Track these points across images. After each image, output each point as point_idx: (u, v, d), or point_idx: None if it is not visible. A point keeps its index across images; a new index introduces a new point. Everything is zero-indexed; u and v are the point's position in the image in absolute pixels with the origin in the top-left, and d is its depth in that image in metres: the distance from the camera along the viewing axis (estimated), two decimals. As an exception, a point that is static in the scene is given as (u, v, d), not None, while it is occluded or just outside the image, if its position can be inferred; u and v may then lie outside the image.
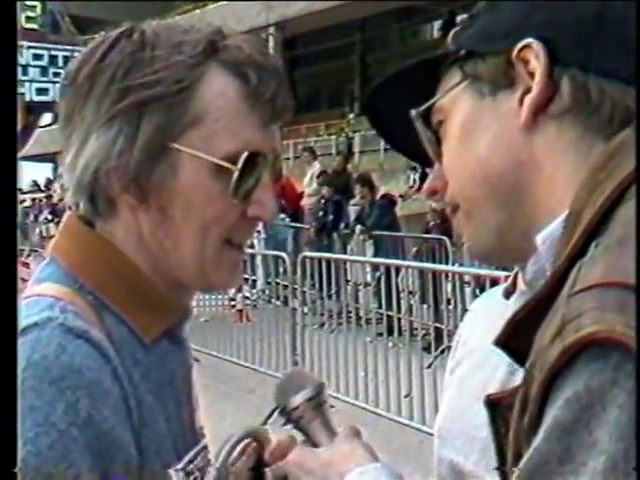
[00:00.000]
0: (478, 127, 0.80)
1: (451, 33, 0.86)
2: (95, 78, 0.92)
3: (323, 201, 11.41)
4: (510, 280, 1.29)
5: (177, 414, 0.99)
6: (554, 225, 0.73)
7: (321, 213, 11.32)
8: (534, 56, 0.76)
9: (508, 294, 1.27)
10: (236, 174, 0.92)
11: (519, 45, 0.76)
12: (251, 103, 0.94)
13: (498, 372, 1.21)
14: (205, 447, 1.05)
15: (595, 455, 0.53)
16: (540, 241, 0.75)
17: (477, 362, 1.29)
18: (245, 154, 0.93)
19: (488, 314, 1.32)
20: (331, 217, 10.96)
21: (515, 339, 0.68)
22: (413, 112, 0.86)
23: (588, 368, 0.55)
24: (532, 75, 0.76)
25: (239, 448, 1.05)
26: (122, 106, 0.90)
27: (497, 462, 0.82)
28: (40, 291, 0.91)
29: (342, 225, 10.69)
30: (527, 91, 0.76)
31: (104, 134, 0.91)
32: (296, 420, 1.08)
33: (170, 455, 0.94)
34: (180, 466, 0.96)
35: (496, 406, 0.81)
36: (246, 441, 1.06)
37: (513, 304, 1.24)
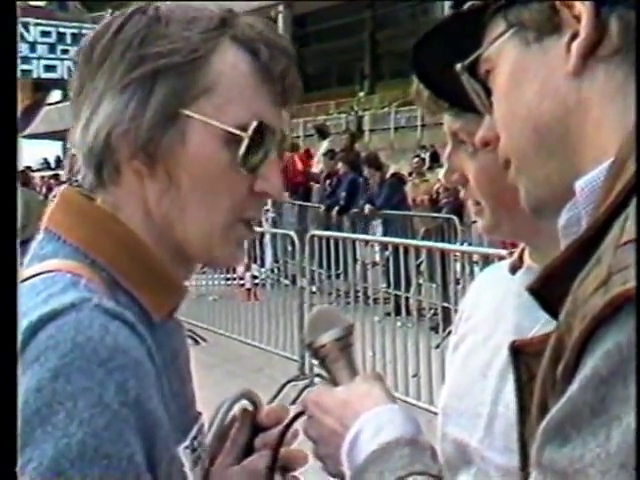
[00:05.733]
0: (525, 76, 0.78)
1: None
2: (111, 48, 0.94)
3: (336, 179, 11.34)
4: (516, 255, 1.28)
5: (182, 392, 1.00)
6: (595, 173, 0.72)
7: (330, 190, 11.26)
8: None
9: (514, 269, 1.27)
10: (245, 142, 0.94)
11: None
12: (261, 78, 0.96)
13: (503, 348, 1.20)
14: (203, 424, 1.06)
15: (630, 409, 0.52)
16: (579, 188, 0.73)
17: (481, 338, 1.28)
18: (255, 123, 0.94)
19: (492, 289, 1.32)
20: (343, 194, 10.89)
21: (549, 286, 0.68)
22: (458, 66, 0.85)
23: (632, 321, 0.54)
24: (578, 19, 0.73)
25: (235, 408, 1.07)
26: (137, 74, 0.92)
27: (516, 409, 0.83)
28: (53, 267, 0.90)
29: (360, 203, 10.60)
30: (574, 36, 0.73)
31: (117, 99, 0.93)
32: (321, 358, 1.10)
33: (178, 433, 0.96)
34: (187, 443, 0.97)
35: (520, 353, 0.82)
36: (242, 402, 1.08)
37: (519, 279, 1.24)
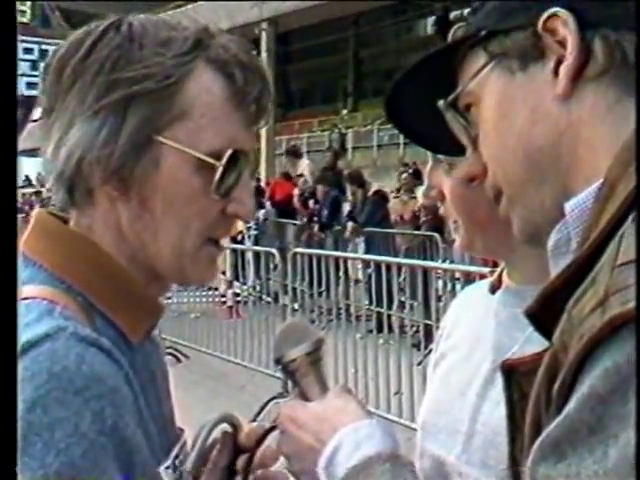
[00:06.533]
0: (513, 104, 0.78)
1: (468, 15, 0.84)
2: (82, 70, 0.92)
3: (322, 196, 11.38)
4: (496, 275, 1.30)
5: (160, 412, 1.00)
6: (585, 194, 0.72)
7: (317, 209, 11.32)
8: (562, 24, 0.74)
9: (494, 289, 1.28)
10: (219, 170, 0.93)
11: (544, 15, 0.75)
12: (236, 102, 0.95)
13: (482, 367, 1.22)
14: (185, 442, 1.06)
15: (627, 427, 0.53)
16: (569, 209, 0.74)
17: (461, 356, 1.29)
18: (230, 151, 0.94)
19: (473, 308, 1.33)
20: (326, 212, 10.93)
21: (546, 309, 0.68)
22: (441, 103, 0.85)
23: (630, 341, 0.54)
24: (561, 43, 0.74)
25: (215, 432, 1.06)
26: (110, 99, 0.91)
27: (507, 427, 0.83)
28: (29, 293, 0.89)
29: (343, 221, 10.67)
30: (560, 60, 0.75)
31: (88, 124, 0.91)
32: (291, 372, 1.09)
33: (159, 453, 0.95)
34: (168, 463, 0.97)
35: (511, 372, 0.82)
36: (223, 425, 1.07)
37: (497, 299, 1.26)
